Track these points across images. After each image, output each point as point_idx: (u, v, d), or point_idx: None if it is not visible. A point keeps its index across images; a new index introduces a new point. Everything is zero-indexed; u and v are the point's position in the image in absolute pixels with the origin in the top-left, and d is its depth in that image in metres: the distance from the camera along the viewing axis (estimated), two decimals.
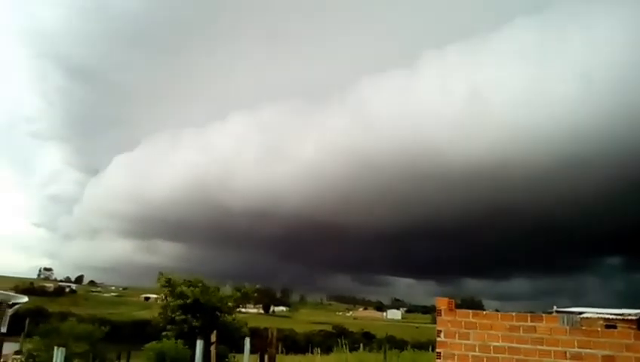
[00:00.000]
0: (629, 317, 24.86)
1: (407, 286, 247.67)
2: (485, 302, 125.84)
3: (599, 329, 5.49)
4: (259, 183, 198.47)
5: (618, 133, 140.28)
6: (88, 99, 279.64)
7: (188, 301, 16.86)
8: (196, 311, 16.92)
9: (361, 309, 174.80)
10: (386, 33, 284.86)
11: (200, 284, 17.92)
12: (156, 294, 20.06)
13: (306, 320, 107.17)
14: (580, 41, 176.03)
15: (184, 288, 17.28)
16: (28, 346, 20.95)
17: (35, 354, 18.43)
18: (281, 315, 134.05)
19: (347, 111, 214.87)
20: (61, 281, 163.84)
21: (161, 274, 18.40)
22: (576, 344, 5.30)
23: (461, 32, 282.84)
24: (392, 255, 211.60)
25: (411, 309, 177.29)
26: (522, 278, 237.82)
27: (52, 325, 22.60)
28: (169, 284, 17.86)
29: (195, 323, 16.49)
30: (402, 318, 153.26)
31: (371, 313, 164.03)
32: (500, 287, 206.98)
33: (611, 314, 26.44)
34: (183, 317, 16.66)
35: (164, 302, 17.96)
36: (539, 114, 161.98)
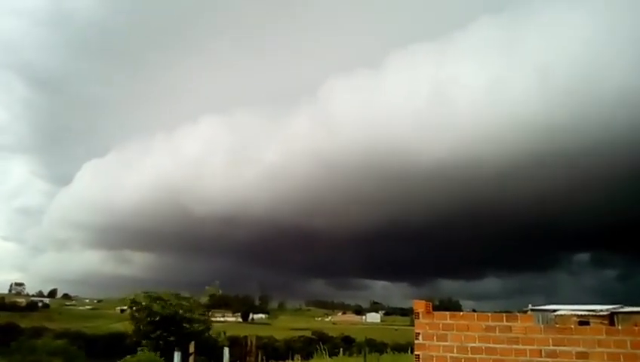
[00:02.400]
0: (601, 313, 25.46)
1: (382, 289, 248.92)
2: (460, 302, 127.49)
3: (572, 326, 5.61)
4: (227, 188, 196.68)
5: (581, 130, 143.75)
6: (54, 110, 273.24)
7: (156, 318, 16.71)
8: (167, 324, 16.76)
9: (339, 314, 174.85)
10: (353, 34, 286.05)
11: (166, 298, 17.75)
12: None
13: (285, 327, 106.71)
14: (542, 37, 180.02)
15: (149, 304, 17.15)
16: None
17: None
18: (260, 322, 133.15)
19: (315, 114, 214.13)
20: (33, 296, 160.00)
21: (125, 299, 18.35)
22: (550, 342, 5.40)
23: (427, 32, 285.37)
24: (364, 258, 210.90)
25: (390, 312, 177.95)
26: (494, 277, 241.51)
27: (24, 341, 22.06)
28: (135, 303, 17.71)
29: (168, 338, 16.32)
30: (381, 321, 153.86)
31: (350, 317, 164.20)
32: (473, 287, 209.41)
33: (584, 310, 27.04)
34: (158, 333, 16.50)
35: (135, 319, 17.76)
36: (503, 111, 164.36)
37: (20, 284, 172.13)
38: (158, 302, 17.30)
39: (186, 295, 19.21)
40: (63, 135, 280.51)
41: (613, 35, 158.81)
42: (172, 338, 16.18)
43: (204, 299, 19.13)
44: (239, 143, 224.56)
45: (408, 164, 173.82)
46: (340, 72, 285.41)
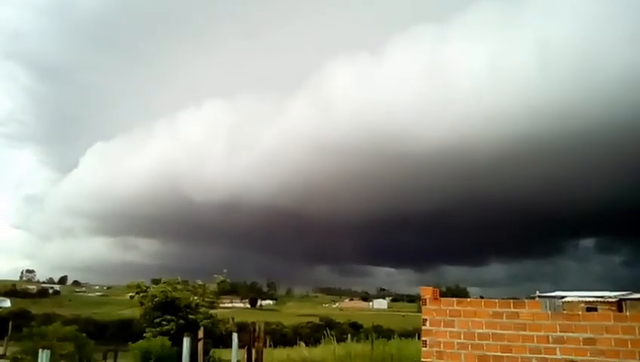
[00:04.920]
0: (610, 300, 25.41)
1: (386, 276, 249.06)
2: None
3: (580, 312, 5.61)
4: (229, 175, 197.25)
5: (585, 111, 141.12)
6: (58, 99, 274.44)
7: (158, 300, 16.90)
8: (172, 310, 16.97)
9: (347, 300, 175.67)
10: (353, 17, 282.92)
11: (175, 284, 17.96)
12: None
13: (292, 313, 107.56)
14: (544, 17, 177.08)
15: (154, 290, 17.37)
16: (12, 349, 20.66)
17: (19, 357, 18.19)
18: (268, 309, 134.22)
19: (316, 98, 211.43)
20: (44, 283, 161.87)
21: (129, 286, 18.57)
22: (558, 328, 5.40)
23: (427, 14, 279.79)
24: (367, 244, 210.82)
25: (397, 298, 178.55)
26: (498, 264, 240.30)
27: (36, 327, 22.33)
28: (140, 290, 17.95)
29: (168, 327, 16.53)
30: (388, 307, 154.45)
31: (357, 303, 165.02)
32: (478, 273, 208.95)
33: (592, 296, 26.99)
34: (162, 317, 16.72)
35: (142, 307, 17.99)
36: (506, 94, 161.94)
37: (31, 271, 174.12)
38: (160, 286, 17.55)
39: (199, 282, 19.40)
40: (67, 123, 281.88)
41: (616, 13, 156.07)
42: (171, 325, 16.39)
43: (213, 287, 19.28)
44: (241, 129, 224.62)
45: (410, 149, 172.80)
46: (340, 55, 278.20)
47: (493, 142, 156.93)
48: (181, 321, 16.70)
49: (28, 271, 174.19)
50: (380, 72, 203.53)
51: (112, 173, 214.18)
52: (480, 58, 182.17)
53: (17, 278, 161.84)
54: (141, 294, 17.87)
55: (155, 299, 16.97)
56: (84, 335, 20.49)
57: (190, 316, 17.05)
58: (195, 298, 18.08)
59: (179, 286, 17.93)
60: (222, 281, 19.41)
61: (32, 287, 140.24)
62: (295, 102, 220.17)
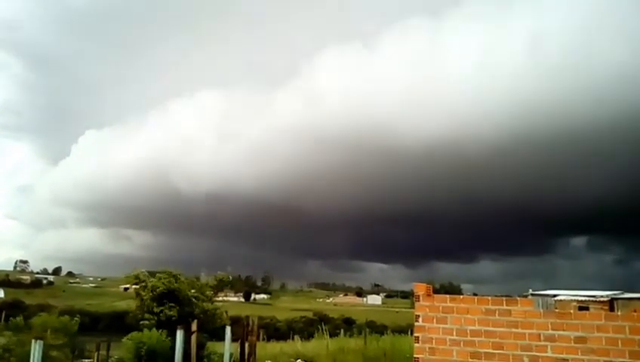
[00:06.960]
0: (601, 299, 25.51)
1: (378, 271, 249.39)
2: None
3: (572, 311, 5.64)
4: (218, 167, 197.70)
5: (577, 107, 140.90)
6: (52, 88, 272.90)
7: (160, 290, 16.80)
8: (172, 301, 16.87)
9: (341, 295, 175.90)
10: (345, 10, 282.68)
11: (173, 275, 17.86)
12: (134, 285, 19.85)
13: (286, 308, 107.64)
14: (536, 12, 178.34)
15: (155, 281, 17.25)
16: (4, 340, 20.58)
17: (11, 347, 18.12)
18: (262, 303, 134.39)
19: (308, 91, 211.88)
20: (38, 273, 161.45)
21: (129, 276, 18.46)
22: (549, 326, 5.44)
23: (419, 7, 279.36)
24: (358, 239, 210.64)
25: (391, 294, 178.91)
26: (489, 261, 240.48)
27: (29, 318, 22.25)
28: (139, 280, 17.83)
29: (170, 313, 16.43)
30: (382, 303, 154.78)
31: (351, 299, 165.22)
32: (469, 270, 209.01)
33: (584, 296, 27.09)
34: (160, 308, 16.61)
35: (138, 297, 17.89)
36: (498, 88, 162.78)
37: (25, 262, 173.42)
38: (160, 276, 17.43)
39: (203, 275, 19.37)
40: (60, 113, 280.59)
41: (609, 10, 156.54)
42: (172, 312, 16.29)
43: (212, 281, 19.24)
44: (232, 120, 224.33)
45: (401, 144, 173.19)
46: (332, 48, 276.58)
47: (485, 138, 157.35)
48: (184, 308, 16.65)
49: (22, 261, 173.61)
50: (372, 65, 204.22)
51: (104, 163, 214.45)
52: (472, 53, 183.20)
53: (11, 268, 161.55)
54: (140, 285, 17.74)
55: (158, 290, 16.86)
56: (72, 323, 20.28)
57: (187, 308, 17.00)
58: (193, 291, 18.03)
59: (180, 278, 17.82)
60: (221, 279, 19.39)
61: (26, 278, 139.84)
62: (287, 95, 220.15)
